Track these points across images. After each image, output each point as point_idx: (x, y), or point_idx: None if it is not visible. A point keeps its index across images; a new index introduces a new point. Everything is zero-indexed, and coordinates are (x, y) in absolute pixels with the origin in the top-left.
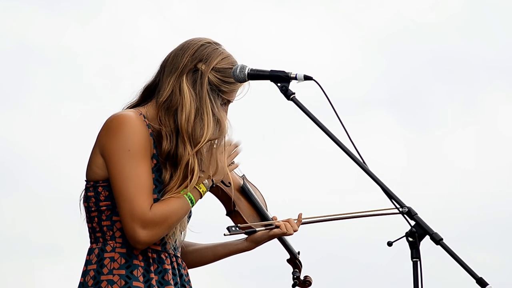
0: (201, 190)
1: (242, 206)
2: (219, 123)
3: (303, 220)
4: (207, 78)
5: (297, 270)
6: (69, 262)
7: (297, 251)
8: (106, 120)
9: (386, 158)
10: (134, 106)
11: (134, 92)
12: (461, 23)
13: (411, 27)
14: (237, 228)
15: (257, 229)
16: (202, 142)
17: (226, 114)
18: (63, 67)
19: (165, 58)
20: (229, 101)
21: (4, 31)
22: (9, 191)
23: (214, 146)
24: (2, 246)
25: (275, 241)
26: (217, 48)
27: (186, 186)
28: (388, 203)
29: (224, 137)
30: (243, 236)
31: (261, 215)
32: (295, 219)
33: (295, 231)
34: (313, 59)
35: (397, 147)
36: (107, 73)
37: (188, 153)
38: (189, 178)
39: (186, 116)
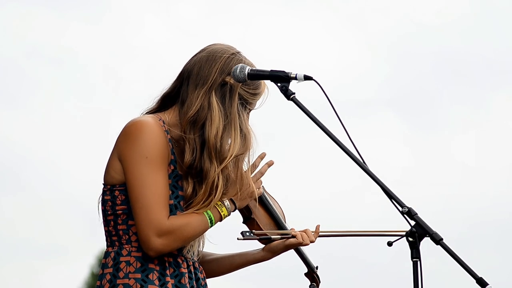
0: (222, 214)
1: (259, 214)
2: (245, 138)
3: (320, 233)
4: (237, 92)
5: (314, 284)
6: (73, 264)
7: (315, 265)
8: (125, 125)
9: (392, 159)
10: (152, 112)
11: (153, 98)
12: (469, 26)
13: (418, 31)
14: (251, 234)
15: (272, 237)
16: (229, 158)
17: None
18: (66, 67)
19: (188, 68)
20: (250, 110)
21: (6, 31)
22: (11, 191)
23: (240, 161)
24: (3, 247)
25: (293, 253)
26: (243, 60)
27: (210, 202)
28: (389, 204)
29: (249, 151)
30: (258, 244)
31: (279, 226)
32: (312, 231)
33: (311, 241)
34: (320, 61)
35: (402, 148)
36: (109, 73)
37: (215, 170)
38: (213, 194)
39: (215, 132)
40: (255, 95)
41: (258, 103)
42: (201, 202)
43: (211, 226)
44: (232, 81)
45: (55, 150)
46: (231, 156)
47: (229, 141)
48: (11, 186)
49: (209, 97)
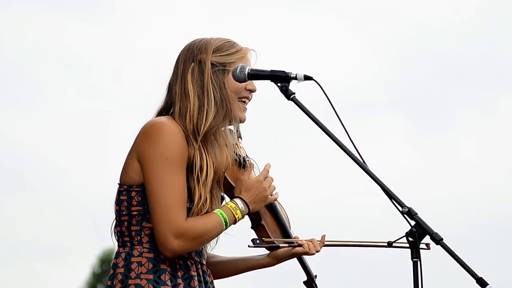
0: (236, 216)
1: (268, 221)
2: (218, 104)
3: (325, 242)
4: (209, 63)
5: None
6: (74, 264)
7: (314, 274)
8: (144, 126)
9: (396, 160)
10: (164, 111)
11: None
12: (474, 29)
13: (423, 33)
14: (262, 242)
15: (280, 245)
16: (203, 130)
17: (253, 83)
18: (69, 67)
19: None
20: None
21: (9, 30)
22: (11, 191)
23: (221, 134)
24: (4, 249)
25: (295, 260)
26: (205, 38)
27: (204, 186)
28: (390, 205)
29: (226, 117)
30: (266, 251)
31: (285, 232)
32: (318, 240)
33: (317, 251)
34: (326, 63)
35: (407, 149)
36: (112, 74)
37: (194, 150)
38: (198, 179)
39: (190, 115)
40: (231, 54)
41: (250, 58)
42: (197, 190)
43: (225, 229)
44: (203, 56)
45: (56, 150)
46: (205, 127)
47: (203, 115)
48: (12, 186)
49: (183, 85)
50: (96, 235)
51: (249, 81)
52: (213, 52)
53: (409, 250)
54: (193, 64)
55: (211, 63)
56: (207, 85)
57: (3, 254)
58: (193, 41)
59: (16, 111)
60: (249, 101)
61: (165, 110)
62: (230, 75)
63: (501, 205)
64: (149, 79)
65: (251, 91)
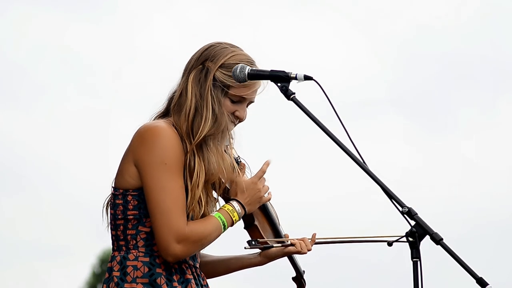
0: (234, 219)
1: (261, 221)
2: (217, 120)
3: (316, 240)
4: (212, 75)
5: None
6: (75, 264)
7: (303, 270)
8: (140, 130)
9: (398, 160)
10: (161, 116)
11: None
12: (475, 30)
13: (425, 34)
14: (257, 243)
15: (274, 245)
16: (198, 137)
17: (245, 112)
18: (69, 67)
19: None
20: (244, 99)
21: (9, 30)
22: (11, 192)
23: (216, 143)
24: (5, 249)
25: (285, 257)
26: (227, 47)
27: (193, 192)
28: (391, 205)
29: (222, 133)
30: (258, 250)
31: (276, 232)
32: (309, 239)
33: (309, 250)
34: (328, 63)
35: (408, 150)
36: (113, 74)
37: (187, 151)
38: (189, 179)
39: (186, 114)
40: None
41: (257, 87)
42: (190, 194)
43: (223, 231)
44: (210, 64)
45: (56, 150)
46: (201, 135)
47: (200, 121)
48: (12, 187)
49: (186, 82)
50: (96, 235)
51: (240, 108)
52: (220, 66)
53: (409, 250)
54: (200, 66)
55: (214, 76)
56: (206, 95)
57: (3, 254)
58: (216, 43)
59: (16, 111)
60: (234, 125)
61: (171, 99)
62: (226, 99)
63: (501, 205)
64: (149, 79)
65: (239, 118)
